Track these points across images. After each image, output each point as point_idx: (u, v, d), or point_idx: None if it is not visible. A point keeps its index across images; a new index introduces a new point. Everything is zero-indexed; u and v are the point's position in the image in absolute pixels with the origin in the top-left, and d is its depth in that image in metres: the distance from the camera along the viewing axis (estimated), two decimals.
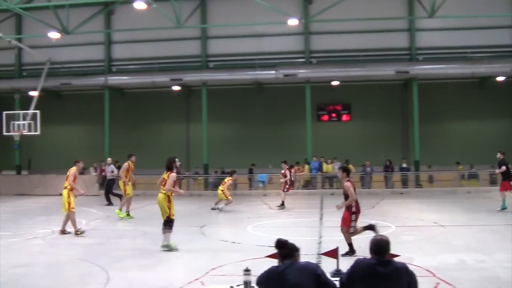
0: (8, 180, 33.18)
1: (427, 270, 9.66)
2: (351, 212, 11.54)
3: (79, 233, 14.83)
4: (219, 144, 34.72)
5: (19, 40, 34.84)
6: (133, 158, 20.11)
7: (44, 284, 9.43)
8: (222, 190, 21.51)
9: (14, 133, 31.88)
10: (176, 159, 14.09)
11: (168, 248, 12.30)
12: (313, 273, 5.43)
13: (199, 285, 9.05)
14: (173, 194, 12.69)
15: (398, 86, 34.80)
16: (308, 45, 33.64)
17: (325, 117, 35.52)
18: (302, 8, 28.57)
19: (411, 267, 5.49)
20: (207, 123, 33.33)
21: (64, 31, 28.72)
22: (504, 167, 19.22)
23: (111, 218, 19.33)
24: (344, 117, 35.45)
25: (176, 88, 34.89)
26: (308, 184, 31.70)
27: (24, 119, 31.65)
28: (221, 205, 21.42)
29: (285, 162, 23.26)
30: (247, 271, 7.04)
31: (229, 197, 21.52)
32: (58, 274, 10.29)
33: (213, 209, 21.62)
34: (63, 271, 10.54)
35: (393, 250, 5.51)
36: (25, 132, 31.72)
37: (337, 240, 12.08)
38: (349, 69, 31.87)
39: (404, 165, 31.14)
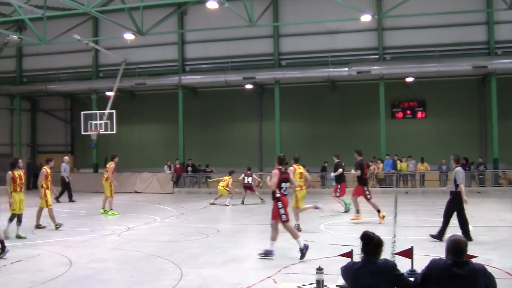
0: (86, 178, 34.18)
1: (506, 272, 9.34)
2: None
3: (57, 226, 15.70)
4: (291, 142, 34.56)
5: (96, 42, 35.83)
6: (116, 159, 21.26)
7: (119, 279, 9.62)
8: (222, 186, 23.61)
9: (92, 132, 32.83)
10: (20, 160, 14.96)
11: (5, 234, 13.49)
12: (390, 273, 5.34)
13: (271, 283, 9.03)
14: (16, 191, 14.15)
15: (475, 81, 33.72)
16: (381, 41, 33.06)
17: (400, 114, 34.81)
18: (375, 4, 28.12)
19: (489, 269, 5.31)
20: (279, 121, 33.25)
21: (138, 32, 29.37)
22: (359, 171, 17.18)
23: (185, 216, 19.62)
24: (419, 114, 34.59)
25: (248, 86, 34.97)
26: (382, 182, 31.28)
27: (100, 118, 32.58)
28: (227, 201, 23.21)
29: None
30: (319, 269, 7.02)
31: (230, 191, 23.54)
32: (133, 269, 10.48)
33: (211, 204, 23.65)
34: (138, 267, 10.70)
35: (470, 251, 5.34)
36: (102, 131, 32.63)
37: (412, 240, 11.86)
38: (424, 65, 31.07)
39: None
